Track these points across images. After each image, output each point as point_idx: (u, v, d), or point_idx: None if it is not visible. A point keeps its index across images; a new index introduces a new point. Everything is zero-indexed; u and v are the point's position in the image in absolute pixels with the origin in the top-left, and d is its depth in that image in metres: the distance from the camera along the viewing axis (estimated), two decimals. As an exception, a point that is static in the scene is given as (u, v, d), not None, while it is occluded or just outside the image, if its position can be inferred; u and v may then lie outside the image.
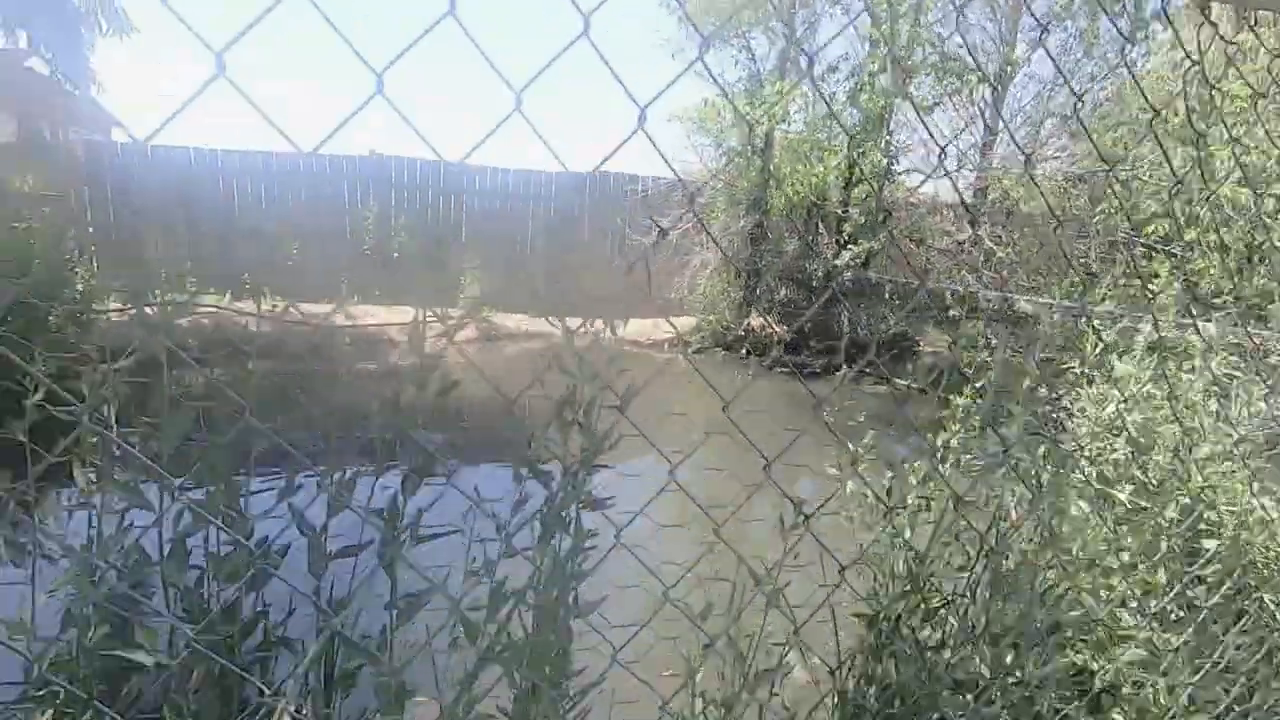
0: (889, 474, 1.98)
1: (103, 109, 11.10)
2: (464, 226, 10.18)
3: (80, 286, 7.22)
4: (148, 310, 7.89)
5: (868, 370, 8.34)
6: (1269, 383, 2.12)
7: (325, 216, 9.56)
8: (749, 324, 9.02)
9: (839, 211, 7.99)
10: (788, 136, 7.70)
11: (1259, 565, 1.75)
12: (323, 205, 9.54)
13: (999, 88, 7.99)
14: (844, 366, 8.26)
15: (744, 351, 8.95)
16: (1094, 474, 2.12)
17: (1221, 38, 1.21)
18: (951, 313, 7.37)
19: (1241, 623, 1.64)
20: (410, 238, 9.87)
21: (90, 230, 8.69)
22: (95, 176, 8.62)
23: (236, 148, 9.21)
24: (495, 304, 9.95)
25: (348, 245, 9.73)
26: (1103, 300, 5.49)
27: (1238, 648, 1.56)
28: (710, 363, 8.68)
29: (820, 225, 8.84)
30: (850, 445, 1.99)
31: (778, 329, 9.50)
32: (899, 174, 8.15)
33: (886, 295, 8.29)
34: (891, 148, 7.79)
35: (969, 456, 2.05)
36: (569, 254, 10.68)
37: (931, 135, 7.82)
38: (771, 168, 8.03)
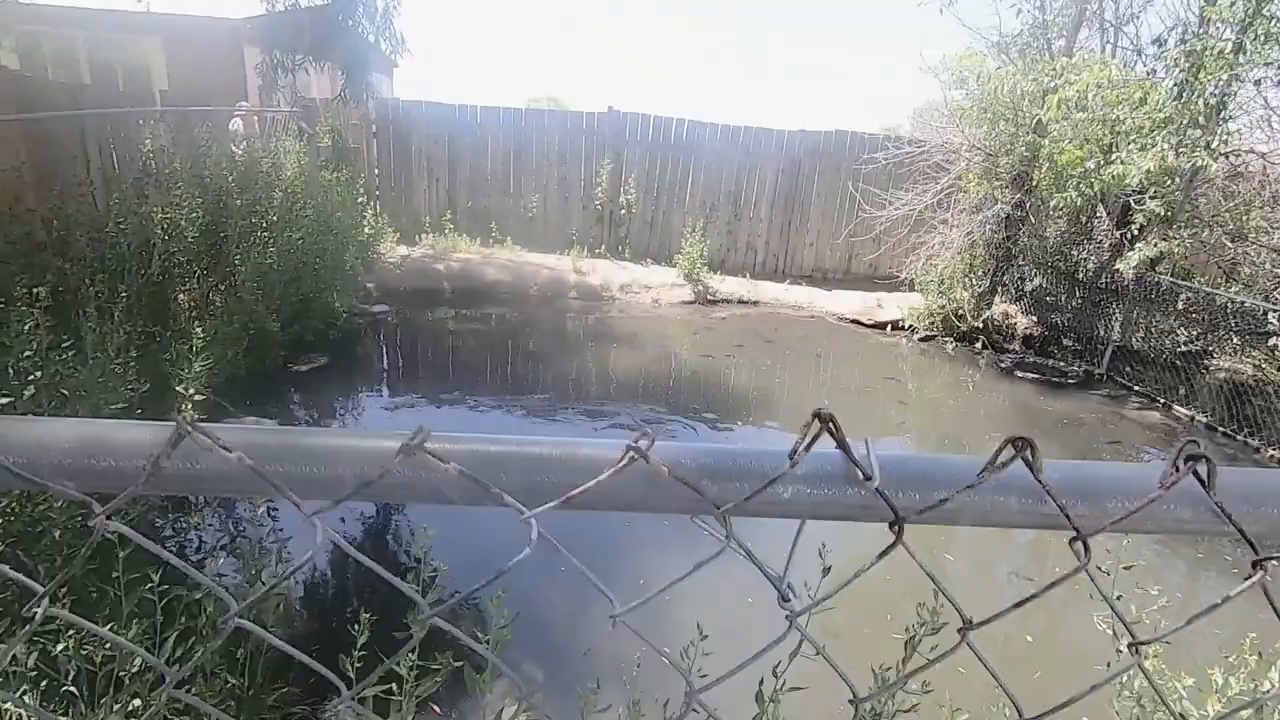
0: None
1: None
2: (690, 185, 10.18)
3: (368, 229, 8.40)
4: (413, 253, 8.97)
5: (1135, 387, 7.11)
6: None
7: (568, 168, 10.09)
8: (989, 315, 8.03)
9: (1131, 199, 6.66)
10: (1072, 111, 6.49)
11: None
12: (567, 158, 10.07)
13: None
14: (1104, 377, 7.09)
15: (979, 344, 8.03)
16: None
17: None
18: (1274, 331, 5.91)
19: None
20: (638, 194, 10.10)
21: (376, 177, 10.03)
22: (381, 129, 9.88)
23: (493, 104, 9.99)
24: (714, 266, 9.93)
25: (581, 199, 10.22)
26: None
27: None
28: (937, 354, 7.92)
29: (1101, 207, 7.49)
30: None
31: (1024, 321, 8.38)
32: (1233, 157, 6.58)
33: (1179, 306, 6.86)
34: (1227, 141, 6.28)
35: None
36: (794, 219, 10.25)
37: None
38: (1047, 140, 6.87)
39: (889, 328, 8.70)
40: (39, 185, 5.65)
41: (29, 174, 5.63)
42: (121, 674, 1.88)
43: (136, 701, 1.89)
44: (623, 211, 10.18)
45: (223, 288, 5.16)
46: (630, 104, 10.07)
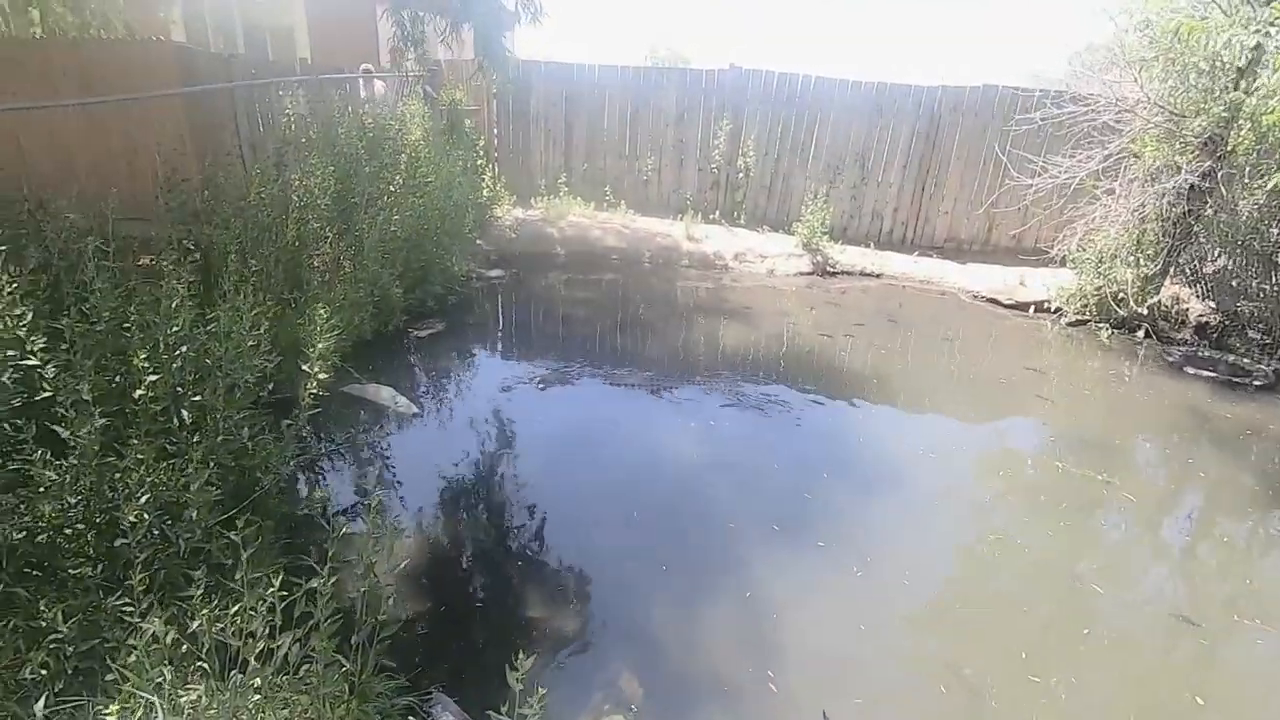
0: None
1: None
2: (814, 146, 9.56)
3: (486, 193, 8.52)
4: (528, 216, 9.03)
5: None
6: None
7: (685, 129, 9.76)
8: (1157, 300, 7.05)
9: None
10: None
11: None
12: (685, 118, 9.73)
13: None
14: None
15: (1141, 333, 7.10)
16: None
17: None
18: None
19: None
20: (756, 156, 9.62)
21: (495, 139, 10.14)
22: (501, 90, 9.92)
23: (612, 62, 9.75)
24: (835, 235, 9.35)
25: (697, 161, 9.88)
26: None
27: None
28: (1089, 341, 7.09)
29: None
30: None
31: (1199, 306, 7.31)
32: None
33: None
34: None
35: None
36: (929, 185, 9.42)
37: None
38: (1253, 98, 5.79)
39: (1031, 309, 7.87)
40: (197, 155, 6.08)
41: (189, 144, 6.07)
42: (247, 655, 1.96)
43: (257, 681, 1.97)
44: (740, 175, 9.75)
45: (351, 253, 5.36)
46: (755, 59, 9.54)
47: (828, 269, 8.88)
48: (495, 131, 10.13)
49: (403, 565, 3.09)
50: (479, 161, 9.07)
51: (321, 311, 3.40)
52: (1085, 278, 7.41)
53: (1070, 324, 7.44)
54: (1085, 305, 7.39)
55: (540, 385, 5.15)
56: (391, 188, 6.23)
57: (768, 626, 2.95)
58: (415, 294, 6.06)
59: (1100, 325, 7.22)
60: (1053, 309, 7.66)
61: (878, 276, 8.89)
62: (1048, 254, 7.95)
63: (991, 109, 8.92)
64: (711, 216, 9.89)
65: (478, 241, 8.10)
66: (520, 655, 1.66)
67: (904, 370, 6.12)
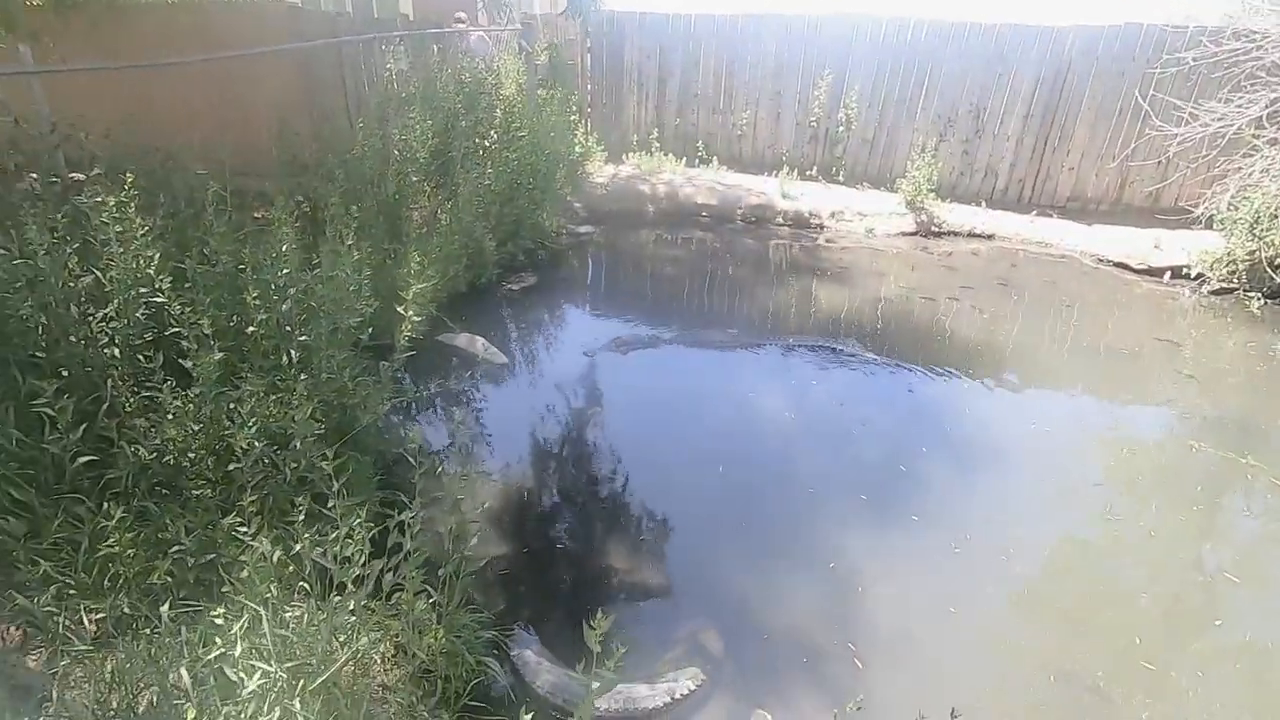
0: None
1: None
2: (924, 97, 8.91)
3: (578, 148, 8.49)
4: (619, 172, 8.96)
5: None
6: None
7: (783, 81, 9.33)
8: (1325, 267, 6.19)
9: None
10: None
11: None
12: (783, 70, 9.29)
13: None
14: None
15: (1300, 304, 6.28)
16: None
17: None
18: None
19: None
20: (859, 109, 9.08)
21: (588, 93, 10.05)
22: (595, 43, 9.78)
23: (708, 11, 9.39)
24: (942, 193, 8.75)
25: (795, 115, 9.44)
26: None
27: None
28: (1235, 312, 6.34)
29: None
30: None
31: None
32: None
33: None
34: None
35: None
36: (1052, 137, 8.60)
37: None
38: None
39: (1166, 275, 7.10)
40: (307, 111, 6.35)
41: (298, 100, 6.35)
42: (344, 579, 2.06)
43: (352, 604, 2.07)
44: (840, 129, 9.24)
45: (447, 207, 5.48)
46: (860, 3, 8.91)
47: (933, 229, 8.34)
48: (588, 87, 10.03)
49: (487, 505, 3.18)
50: (572, 117, 9.03)
51: (416, 257, 3.49)
52: (1236, 240, 6.59)
53: (1213, 292, 6.67)
54: (1234, 271, 6.59)
55: (627, 341, 5.13)
56: (486, 142, 6.30)
57: (851, 598, 2.84)
58: (507, 248, 6.15)
59: (1250, 294, 6.43)
60: (1193, 275, 6.88)
61: (989, 238, 8.27)
62: (1190, 214, 7.13)
63: (1133, 51, 7.97)
64: (808, 173, 9.46)
65: (569, 198, 8.11)
66: (600, 613, 1.64)
67: (1015, 338, 5.69)
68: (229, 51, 5.61)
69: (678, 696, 2.32)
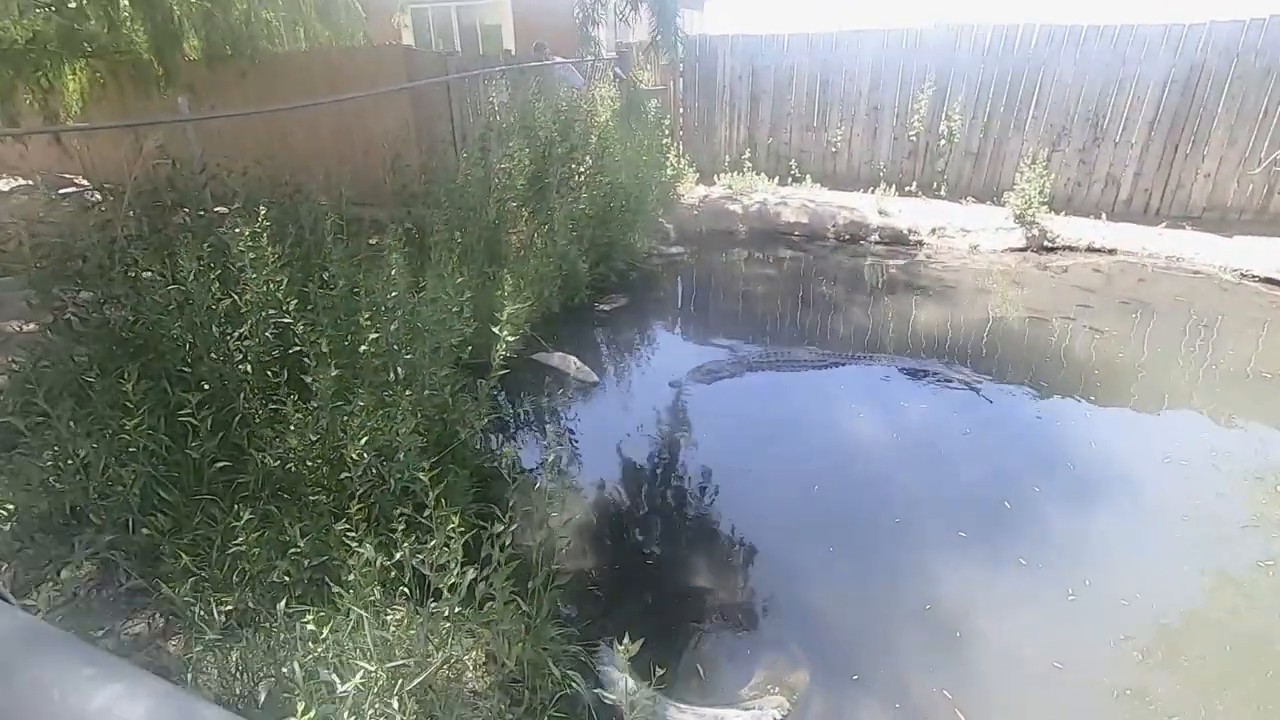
0: None
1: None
2: (1034, 106, 8.43)
3: (670, 171, 8.62)
4: (710, 193, 8.99)
5: None
6: None
7: (880, 95, 9.11)
8: None
9: None
10: None
11: None
12: (881, 84, 9.08)
13: None
14: None
15: None
16: None
17: None
18: None
19: None
20: (963, 120, 8.71)
21: (680, 116, 10.19)
22: (688, 67, 9.92)
23: (802, 30, 9.33)
24: (1056, 205, 8.22)
25: (893, 130, 9.17)
26: None
27: None
28: None
29: None
30: None
31: None
32: None
33: None
34: None
35: None
36: (1183, 143, 7.91)
37: None
38: None
39: (1328, 292, 6.33)
40: (418, 143, 6.81)
41: (412, 133, 6.81)
42: (440, 585, 2.16)
43: (447, 610, 2.17)
44: (941, 142, 8.90)
45: (543, 231, 5.70)
46: (962, 13, 8.59)
47: (1045, 244, 7.84)
48: (680, 110, 10.18)
49: (576, 521, 3.24)
50: (664, 140, 9.18)
51: (509, 280, 3.65)
52: None
53: (1387, 311, 5.88)
54: None
55: (717, 362, 5.12)
56: (581, 168, 6.52)
57: (949, 643, 2.66)
58: (599, 269, 6.31)
59: None
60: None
61: (1110, 252, 7.67)
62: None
63: (1274, 42, 7.23)
64: (907, 189, 9.15)
65: (660, 219, 8.23)
66: (627, 636, 1.64)
67: (1142, 361, 5.23)
68: (352, 93, 6.12)
69: (762, 725, 2.27)
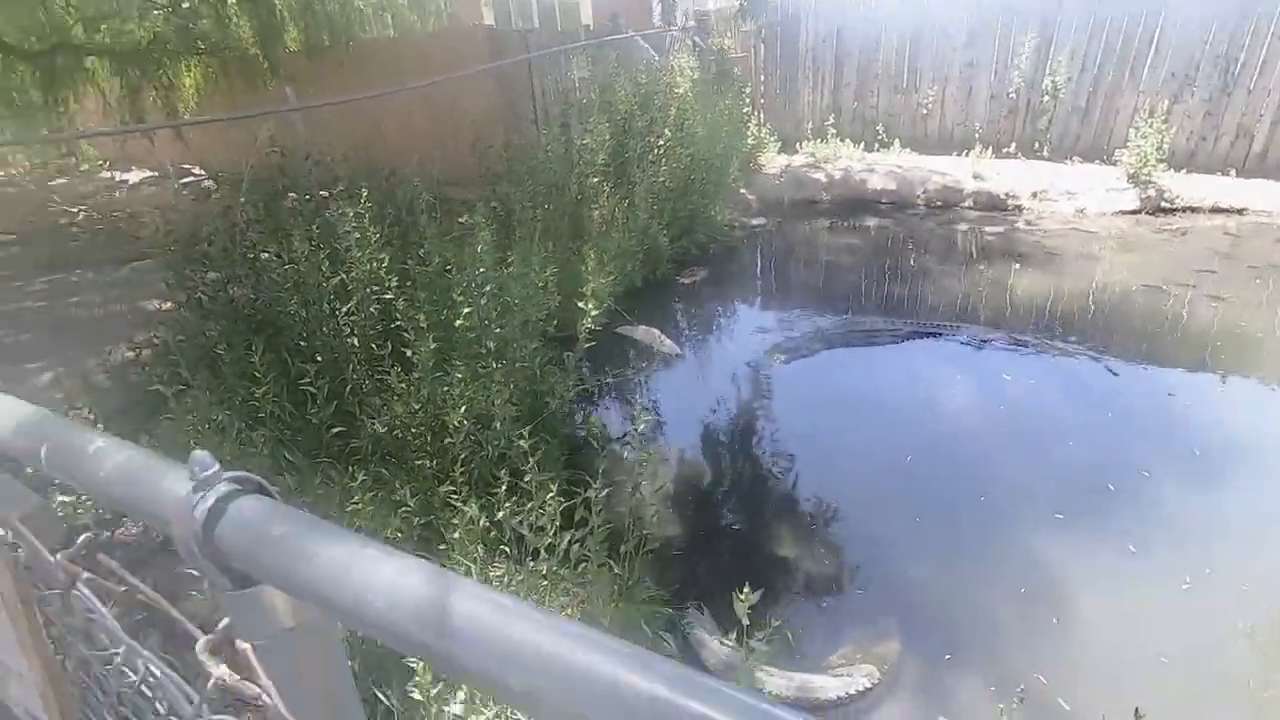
0: None
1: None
2: (1154, 52, 7.72)
3: (750, 140, 8.46)
4: (792, 161, 8.77)
5: None
6: None
7: (976, 50, 8.59)
8: None
9: None
10: None
11: None
12: (976, 38, 8.55)
13: None
14: None
15: None
16: None
17: None
18: None
19: None
20: (1069, 73, 8.09)
21: (761, 84, 9.94)
22: (769, 33, 9.64)
23: (892, -15, 8.87)
24: (1175, 163, 7.55)
25: (989, 87, 8.63)
26: None
27: None
28: None
29: None
30: None
31: None
32: None
33: None
34: None
35: None
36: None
37: None
38: None
39: None
40: (501, 122, 6.96)
41: (494, 113, 6.97)
42: (538, 545, 2.28)
43: (544, 569, 2.29)
44: (1044, 98, 8.31)
45: (624, 205, 5.74)
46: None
47: (1162, 205, 7.23)
48: (761, 78, 9.93)
49: (664, 488, 3.31)
50: (744, 109, 8.99)
51: (592, 255, 3.72)
52: None
53: None
54: None
55: (800, 333, 5.05)
56: (660, 141, 6.50)
57: (1046, 629, 2.54)
58: (680, 242, 6.30)
59: None
60: None
61: (1239, 213, 7.00)
62: None
63: None
64: (1005, 150, 8.62)
65: (741, 190, 8.11)
66: (747, 586, 1.67)
67: (1272, 334, 4.79)
68: (440, 75, 6.31)
69: (853, 691, 2.28)
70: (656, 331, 4.98)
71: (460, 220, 4.93)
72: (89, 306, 4.86)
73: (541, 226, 4.91)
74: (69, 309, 4.89)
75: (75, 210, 8.67)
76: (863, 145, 9.24)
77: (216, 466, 0.46)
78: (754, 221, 7.78)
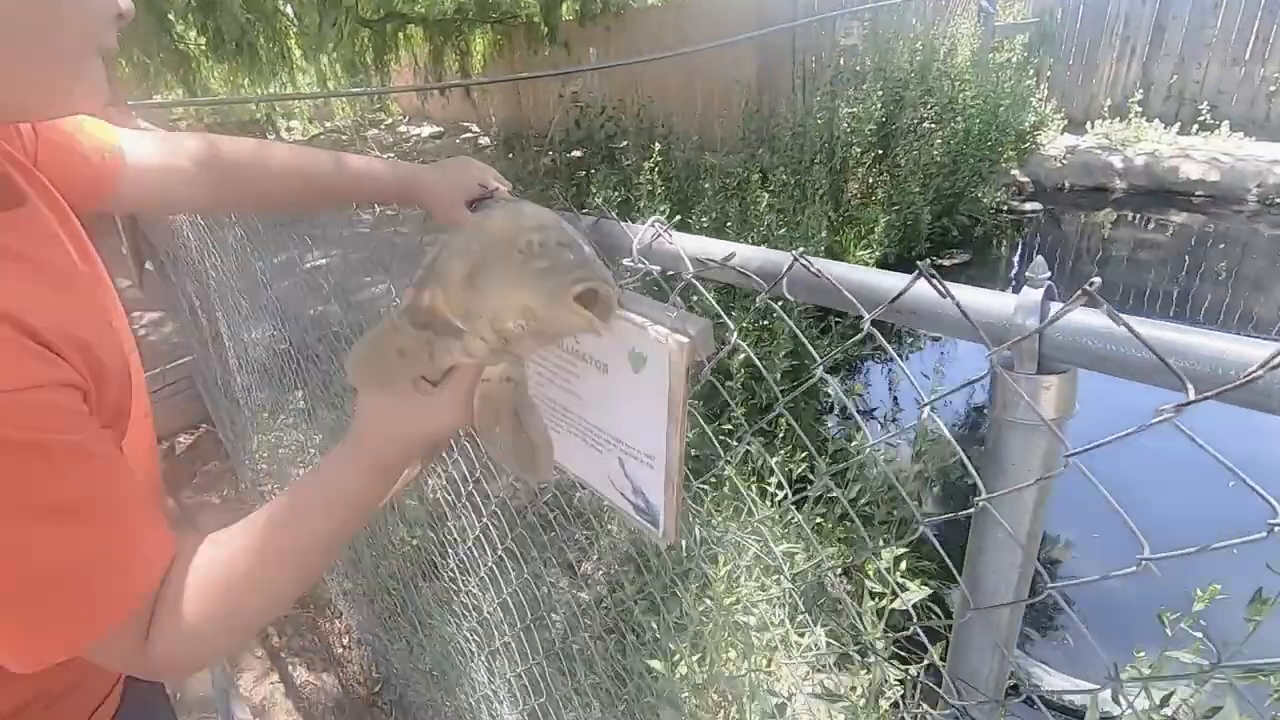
0: None
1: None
2: None
3: (1032, 118, 7.59)
4: (1080, 143, 7.74)
5: None
6: None
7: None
8: None
9: None
10: None
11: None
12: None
13: None
14: None
15: None
16: None
17: None
18: None
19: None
20: None
21: (1055, 52, 8.81)
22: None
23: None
24: None
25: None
26: None
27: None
28: None
29: None
30: None
31: None
32: None
33: None
34: None
35: None
36: None
37: None
38: None
39: None
40: (762, 89, 6.96)
41: (756, 81, 6.98)
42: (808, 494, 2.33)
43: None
44: None
45: (886, 178, 5.49)
46: None
47: None
48: (1056, 45, 8.79)
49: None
50: (1027, 82, 8.06)
51: (850, 228, 3.62)
52: None
53: None
54: None
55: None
56: (933, 113, 6.08)
57: None
58: (941, 222, 5.90)
59: None
60: None
61: None
62: None
63: None
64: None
65: (1012, 171, 7.34)
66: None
67: None
68: (700, 42, 6.43)
69: None
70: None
71: (724, 183, 5.07)
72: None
73: (798, 194, 4.87)
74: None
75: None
76: (1177, 127, 7.84)
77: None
78: (1026, 206, 7.01)
